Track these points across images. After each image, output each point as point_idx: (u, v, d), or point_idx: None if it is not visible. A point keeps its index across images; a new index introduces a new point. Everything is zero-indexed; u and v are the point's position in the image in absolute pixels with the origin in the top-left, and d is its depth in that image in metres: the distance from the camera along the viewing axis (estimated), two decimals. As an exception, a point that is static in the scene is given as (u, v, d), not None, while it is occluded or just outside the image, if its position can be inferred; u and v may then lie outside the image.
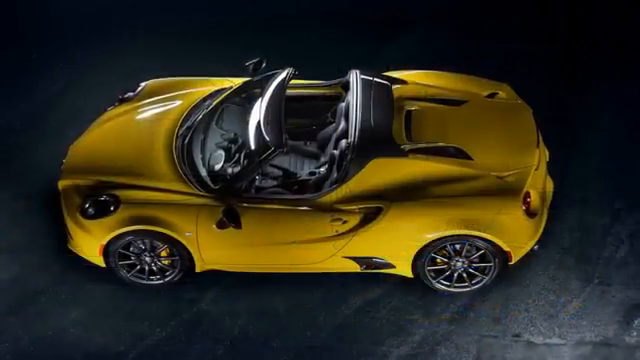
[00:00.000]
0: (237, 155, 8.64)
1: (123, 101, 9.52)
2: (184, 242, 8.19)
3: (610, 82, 10.63)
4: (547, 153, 8.80)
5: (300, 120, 9.25)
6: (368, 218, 8.04)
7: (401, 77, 9.15)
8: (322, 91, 9.31)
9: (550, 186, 8.79)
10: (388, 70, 9.31)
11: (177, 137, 8.76)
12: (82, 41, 11.60)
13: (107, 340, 8.18)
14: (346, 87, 8.90)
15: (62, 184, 8.69)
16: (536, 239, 8.32)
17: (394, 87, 8.87)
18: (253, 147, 8.14)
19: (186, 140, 8.71)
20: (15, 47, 11.53)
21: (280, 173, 8.83)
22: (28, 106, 10.60)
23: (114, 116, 9.29)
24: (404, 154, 8.14)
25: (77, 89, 10.89)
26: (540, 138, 8.61)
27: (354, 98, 8.49)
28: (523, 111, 8.91)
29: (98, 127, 9.21)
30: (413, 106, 8.72)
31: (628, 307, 8.17)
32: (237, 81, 9.37)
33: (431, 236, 7.98)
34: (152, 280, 8.51)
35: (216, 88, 9.41)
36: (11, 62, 11.30)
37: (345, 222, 8.06)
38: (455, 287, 8.34)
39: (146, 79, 9.77)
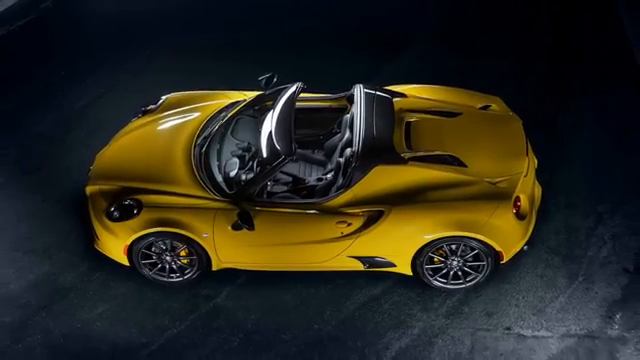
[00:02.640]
0: (250, 163, 8.67)
1: (145, 113, 9.55)
2: (202, 243, 8.22)
3: (593, 95, 10.64)
4: (535, 161, 8.81)
5: (308, 130, 9.27)
6: (371, 220, 8.06)
7: (401, 91, 9.18)
8: (329, 103, 9.33)
9: (538, 191, 8.81)
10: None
11: (195, 146, 8.79)
12: (107, 59, 11.67)
13: (131, 333, 8.21)
14: (351, 100, 8.93)
15: (89, 189, 8.73)
16: (526, 240, 8.34)
17: (395, 100, 8.90)
18: (265, 155, 8.17)
19: (203, 149, 8.73)
20: (47, 65, 11.61)
21: (290, 179, 8.86)
22: (58, 118, 10.66)
23: (137, 127, 9.33)
24: (404, 162, 8.16)
25: (102, 103, 10.95)
26: (529, 147, 8.62)
27: (358, 110, 8.51)
28: (513, 122, 8.92)
29: (122, 137, 9.24)
30: (412, 117, 8.74)
31: (610, 303, 8.17)
32: (250, 94, 9.41)
33: (429, 237, 7.99)
34: (172, 278, 8.53)
35: (231, 101, 9.43)
36: (43, 78, 11.38)
37: (350, 224, 8.08)
38: (451, 284, 8.34)
39: (166, 93, 9.78)
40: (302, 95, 8.87)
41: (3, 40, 12.09)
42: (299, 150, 8.59)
